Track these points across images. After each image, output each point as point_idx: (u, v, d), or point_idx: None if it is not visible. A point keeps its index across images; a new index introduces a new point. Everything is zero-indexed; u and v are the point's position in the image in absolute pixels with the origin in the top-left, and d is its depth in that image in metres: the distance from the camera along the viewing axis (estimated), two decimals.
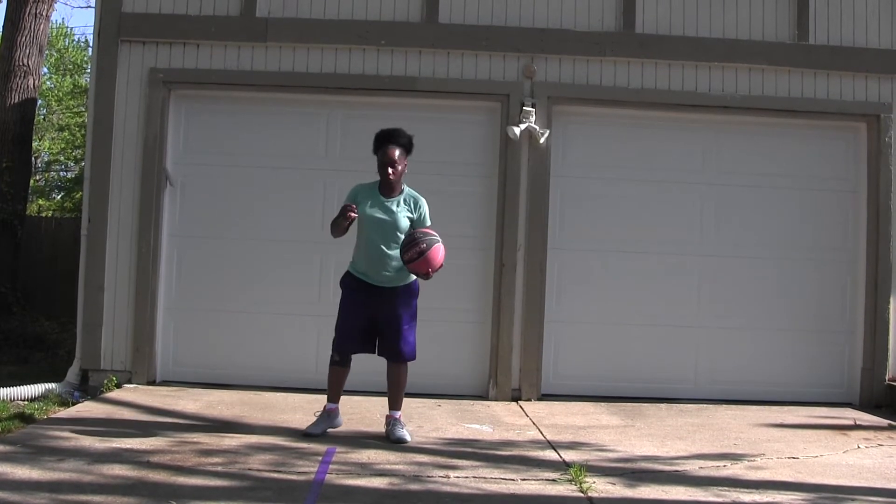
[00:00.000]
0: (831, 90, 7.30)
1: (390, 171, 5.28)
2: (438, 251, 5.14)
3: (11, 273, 10.20)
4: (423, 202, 5.44)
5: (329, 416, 5.48)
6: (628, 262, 7.28)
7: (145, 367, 6.97)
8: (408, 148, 5.40)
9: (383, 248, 5.29)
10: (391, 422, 5.44)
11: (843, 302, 7.39)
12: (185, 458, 4.71)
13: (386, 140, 5.34)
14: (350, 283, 5.45)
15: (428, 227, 5.35)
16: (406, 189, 5.45)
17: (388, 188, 5.37)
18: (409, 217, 5.36)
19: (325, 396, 5.54)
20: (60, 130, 21.24)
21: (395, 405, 5.48)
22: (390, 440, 5.33)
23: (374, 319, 5.38)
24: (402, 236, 5.25)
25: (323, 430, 5.42)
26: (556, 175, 7.21)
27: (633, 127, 7.36)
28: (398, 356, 5.41)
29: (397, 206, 5.35)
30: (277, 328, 7.11)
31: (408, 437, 5.36)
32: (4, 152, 10.16)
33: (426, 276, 5.19)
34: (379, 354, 5.49)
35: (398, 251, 5.23)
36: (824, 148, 7.46)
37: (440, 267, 5.19)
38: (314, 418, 5.59)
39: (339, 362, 5.44)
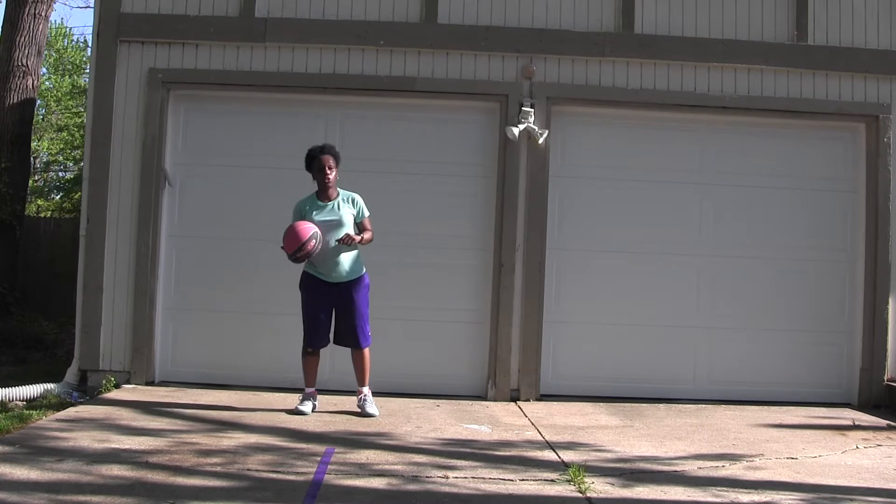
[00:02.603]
0: (830, 91, 7.31)
1: (328, 173, 6.03)
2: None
3: (10, 273, 10.20)
4: (359, 197, 6.20)
5: (312, 397, 6.15)
6: (627, 262, 7.28)
7: (144, 367, 6.97)
8: (338, 158, 6.15)
9: (334, 245, 5.97)
10: (361, 399, 6.15)
11: (841, 302, 7.39)
12: (184, 458, 4.71)
13: (319, 152, 6.11)
14: (309, 284, 6.11)
15: (368, 218, 6.18)
16: (341, 191, 6.15)
17: (325, 193, 6.10)
18: (351, 213, 6.10)
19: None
20: (59, 131, 21.24)
21: (362, 382, 6.18)
22: (362, 415, 6.05)
23: (332, 312, 6.08)
24: (350, 230, 6.02)
25: (312, 409, 6.09)
26: (555, 175, 7.21)
27: (632, 127, 7.37)
28: (358, 344, 6.10)
29: (338, 206, 6.08)
30: (276, 328, 7.10)
31: (376, 413, 6.08)
32: (3, 153, 10.17)
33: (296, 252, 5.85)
34: (337, 343, 6.16)
35: (345, 247, 6.01)
36: (823, 148, 7.47)
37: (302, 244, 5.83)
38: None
39: (312, 353, 6.14)
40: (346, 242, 5.95)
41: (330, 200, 6.08)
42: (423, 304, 7.09)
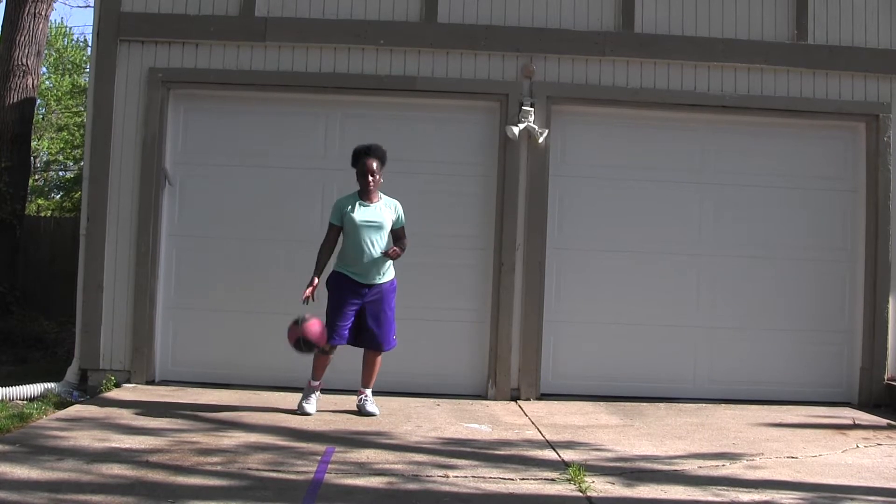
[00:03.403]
0: (830, 90, 7.31)
1: (370, 179, 6.01)
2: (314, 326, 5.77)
3: (10, 273, 10.20)
4: (399, 204, 6.17)
5: (316, 391, 6.14)
6: (627, 261, 7.28)
7: (144, 366, 6.97)
8: (383, 160, 6.11)
9: (373, 247, 5.97)
10: (362, 398, 6.18)
11: (841, 301, 7.39)
12: (184, 457, 4.71)
13: (364, 154, 6.05)
14: (340, 284, 6.04)
15: (403, 228, 6.15)
16: (383, 196, 6.12)
17: (367, 195, 6.06)
18: (391, 219, 6.08)
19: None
20: (59, 130, 21.25)
21: (367, 384, 6.22)
22: (361, 414, 6.09)
23: (359, 314, 6.02)
24: (386, 233, 6.04)
25: (315, 404, 6.07)
26: (555, 175, 7.21)
27: (632, 126, 7.36)
28: (380, 347, 6.11)
29: (380, 209, 6.05)
30: (276, 328, 7.03)
31: (376, 412, 6.10)
32: (3, 152, 10.17)
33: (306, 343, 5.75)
34: (360, 345, 6.13)
35: (383, 249, 6.02)
36: (823, 148, 7.46)
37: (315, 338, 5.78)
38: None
39: (328, 352, 6.06)
40: (393, 257, 5.97)
41: (372, 203, 6.05)
42: (423, 303, 7.09)
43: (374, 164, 6.00)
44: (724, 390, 7.24)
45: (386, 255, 5.96)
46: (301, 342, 5.74)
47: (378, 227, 5.99)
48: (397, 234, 6.13)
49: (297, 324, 5.75)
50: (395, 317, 6.16)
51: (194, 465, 4.58)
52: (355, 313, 6.00)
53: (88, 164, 7.11)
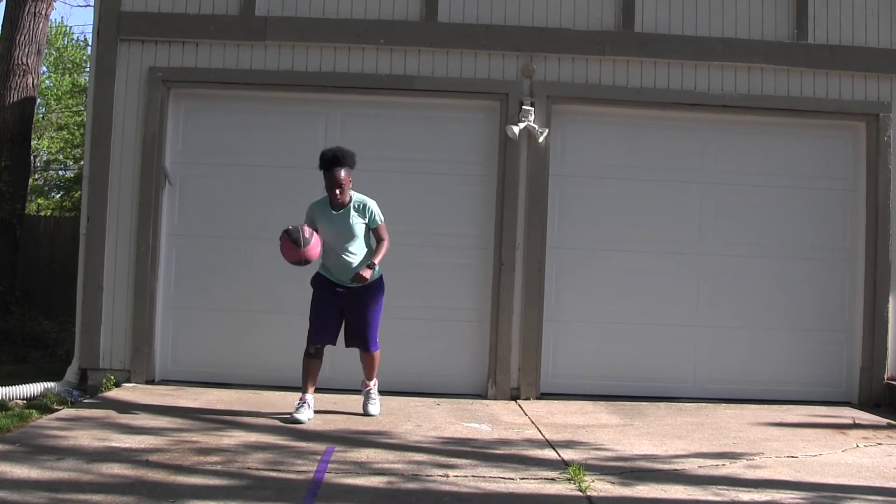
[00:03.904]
0: (830, 89, 7.31)
1: (337, 192, 5.77)
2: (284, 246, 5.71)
3: (10, 272, 10.19)
4: (371, 203, 5.92)
5: (309, 404, 5.86)
6: (627, 261, 7.29)
7: (144, 366, 6.98)
8: (352, 165, 5.86)
9: (345, 252, 5.83)
10: (366, 392, 6.15)
11: (841, 301, 7.39)
12: (184, 457, 4.71)
13: (330, 163, 5.78)
14: (321, 283, 5.98)
15: (382, 225, 5.94)
16: (354, 197, 5.91)
17: (335, 204, 5.87)
18: (362, 223, 5.88)
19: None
20: (59, 129, 21.21)
21: (369, 377, 6.14)
22: (361, 414, 6.05)
23: (342, 315, 5.94)
24: (359, 239, 5.85)
25: (310, 417, 5.79)
26: (555, 174, 7.21)
27: (632, 126, 7.37)
28: (367, 348, 5.99)
29: (348, 215, 5.85)
30: (276, 328, 7.10)
31: (377, 412, 6.09)
32: (3, 151, 10.15)
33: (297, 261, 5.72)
34: (349, 346, 6.02)
35: (359, 253, 5.85)
36: (823, 147, 7.46)
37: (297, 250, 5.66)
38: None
39: (314, 354, 5.94)
40: (360, 282, 5.75)
41: (343, 207, 5.84)
42: (423, 302, 7.10)
43: (342, 174, 5.73)
44: (724, 390, 7.25)
45: (352, 280, 5.76)
46: (303, 261, 5.68)
47: (347, 234, 5.81)
48: (377, 234, 5.93)
49: (296, 244, 5.61)
50: (380, 318, 5.97)
51: (194, 464, 4.58)
52: (338, 313, 5.90)
53: (88, 164, 7.11)
